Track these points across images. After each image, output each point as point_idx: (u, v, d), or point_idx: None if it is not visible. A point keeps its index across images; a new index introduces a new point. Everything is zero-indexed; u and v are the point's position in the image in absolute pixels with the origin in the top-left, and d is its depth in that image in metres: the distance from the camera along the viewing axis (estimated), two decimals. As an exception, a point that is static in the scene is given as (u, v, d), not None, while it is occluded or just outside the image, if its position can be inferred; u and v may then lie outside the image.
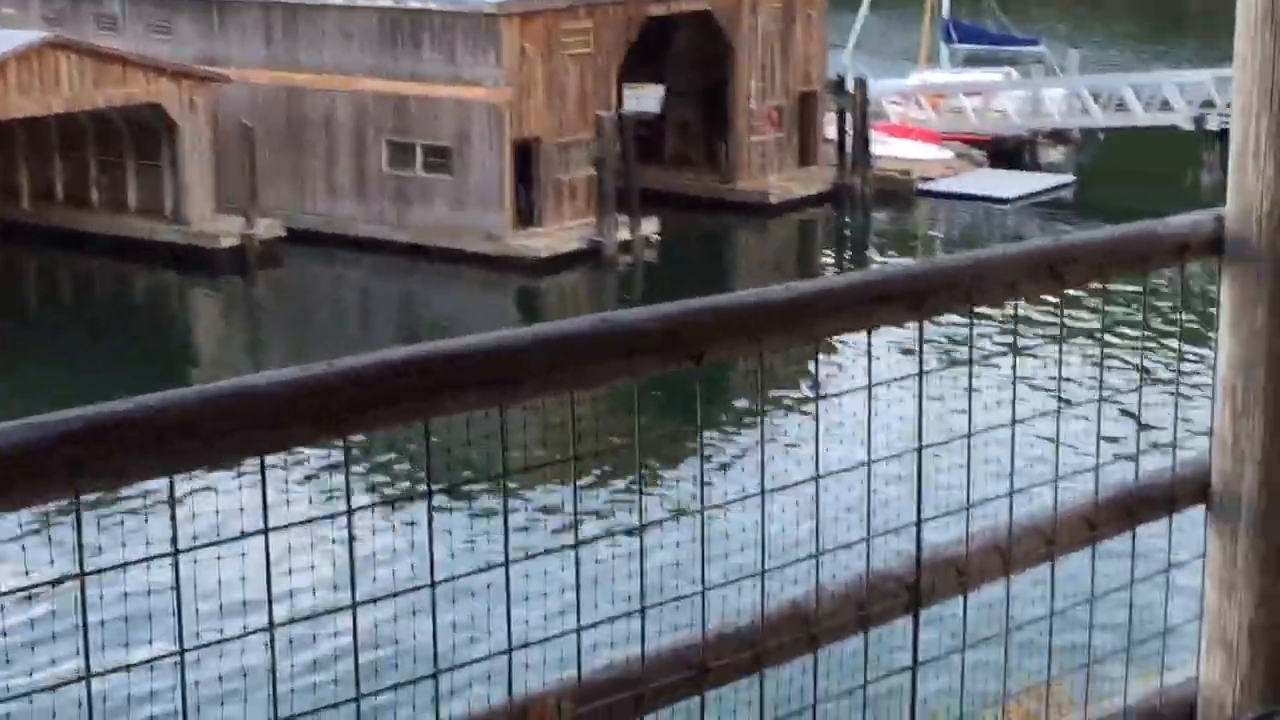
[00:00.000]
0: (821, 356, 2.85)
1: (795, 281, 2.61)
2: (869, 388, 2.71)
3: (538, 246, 37.38)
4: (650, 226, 38.90)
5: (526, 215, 38.19)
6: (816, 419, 2.65)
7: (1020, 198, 43.51)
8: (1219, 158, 41.98)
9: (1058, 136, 48.72)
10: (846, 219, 42.93)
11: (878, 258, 38.74)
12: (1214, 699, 3.24)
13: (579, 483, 2.88)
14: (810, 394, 23.62)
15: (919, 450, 2.78)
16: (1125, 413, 3.02)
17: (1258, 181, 3.06)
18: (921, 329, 2.75)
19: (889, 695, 2.95)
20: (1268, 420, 3.08)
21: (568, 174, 39.03)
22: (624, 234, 38.24)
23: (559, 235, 38.23)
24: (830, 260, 40.40)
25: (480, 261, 37.06)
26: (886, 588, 2.80)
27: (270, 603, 2.07)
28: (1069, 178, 45.53)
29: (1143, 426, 3.14)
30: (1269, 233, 3.05)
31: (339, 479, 18.94)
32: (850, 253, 40.80)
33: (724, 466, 22.18)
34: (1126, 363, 16.32)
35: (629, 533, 2.44)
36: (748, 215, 41.91)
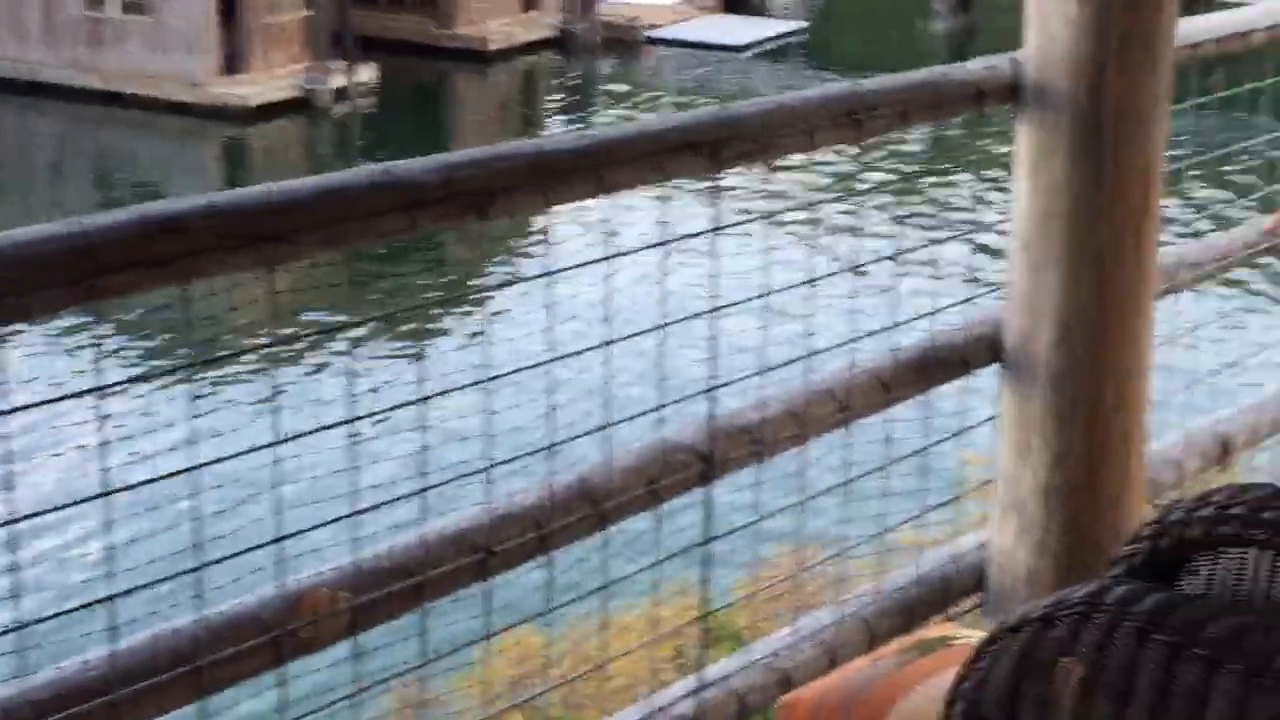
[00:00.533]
0: (620, 214, 2.73)
1: (587, 130, 2.49)
2: (663, 244, 2.61)
3: (245, 94, 36.37)
4: (367, 73, 38.12)
5: (232, 61, 37.12)
6: (606, 281, 2.55)
7: (752, 44, 43.71)
8: (947, 2, 42.81)
9: (787, -21, 49.09)
10: (572, 67, 42.63)
11: (607, 111, 38.60)
12: (1006, 564, 3.25)
13: (346, 356, 2.73)
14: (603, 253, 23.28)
15: (713, 312, 2.70)
16: (926, 269, 3.00)
17: (1059, 24, 3.02)
18: (717, 181, 2.66)
19: (685, 568, 2.90)
20: (1065, 275, 3.07)
21: (278, 16, 37.96)
22: (339, 81, 37.42)
23: (268, 82, 37.22)
24: (558, 108, 40.09)
25: (183, 111, 35.92)
26: (678, 459, 2.73)
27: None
28: (802, 23, 45.89)
29: (939, 282, 3.10)
30: (1069, 79, 3.02)
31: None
32: (579, 99, 40.53)
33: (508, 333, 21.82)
34: (925, 216, 16.51)
35: (411, 405, 2.31)
36: (468, 61, 41.33)
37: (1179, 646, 2.00)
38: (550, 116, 39.24)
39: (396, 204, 2.22)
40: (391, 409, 2.54)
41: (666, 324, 2.64)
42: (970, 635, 2.98)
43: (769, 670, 2.98)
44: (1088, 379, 3.12)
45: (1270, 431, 4.15)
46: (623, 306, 2.59)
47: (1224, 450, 3.98)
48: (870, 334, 3.00)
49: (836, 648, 3.10)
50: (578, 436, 2.60)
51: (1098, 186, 3.04)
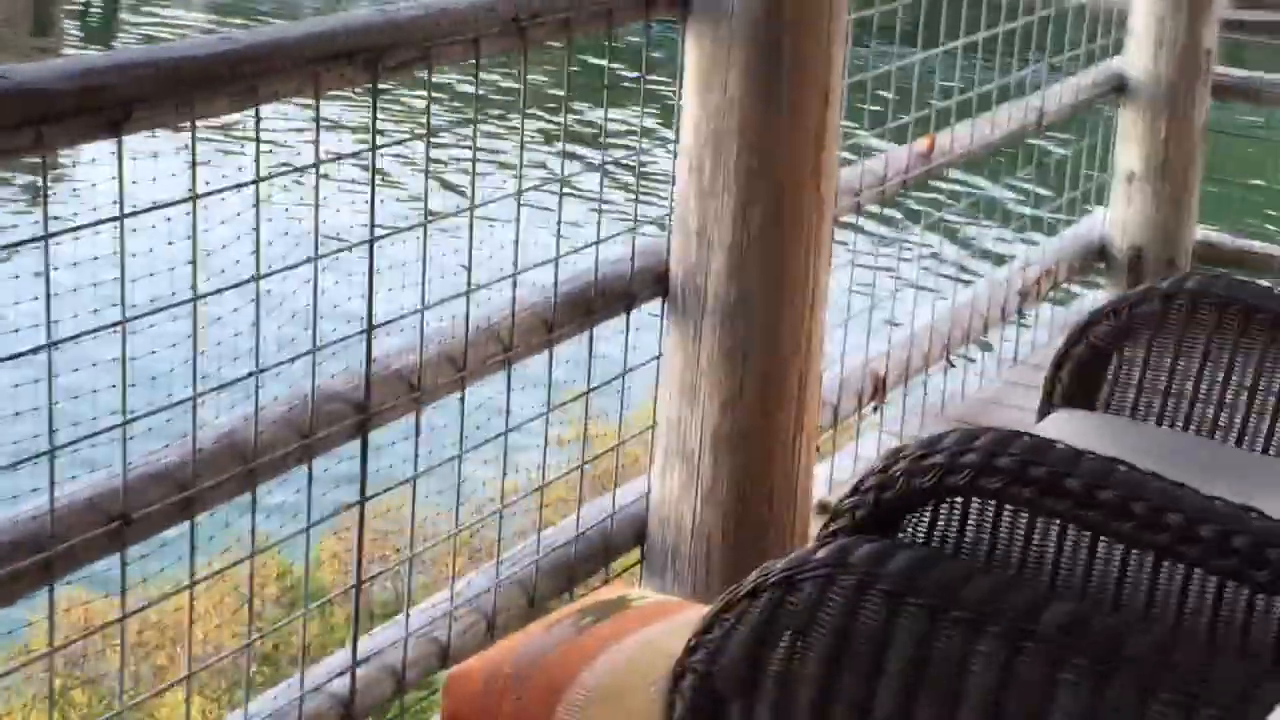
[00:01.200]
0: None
1: (235, 32, 2.28)
2: (316, 167, 2.41)
3: None
4: None
5: None
6: (257, 208, 2.32)
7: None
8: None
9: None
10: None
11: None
12: (671, 516, 3.17)
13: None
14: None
15: (369, 244, 2.52)
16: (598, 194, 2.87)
17: None
18: (375, 92, 2.48)
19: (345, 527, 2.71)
20: (739, 200, 2.99)
21: None
22: None
23: None
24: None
25: None
26: (332, 409, 2.54)
27: None
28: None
29: (604, 209, 2.98)
30: None
31: None
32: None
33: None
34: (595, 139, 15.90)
35: (35, 351, 2.06)
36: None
37: (936, 610, 1.94)
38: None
39: (21, 117, 1.97)
40: None
41: (318, 257, 2.44)
42: (646, 596, 2.89)
43: (426, 641, 2.83)
44: (763, 314, 3.04)
45: (921, 366, 4.19)
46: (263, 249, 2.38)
47: (876, 388, 3.99)
48: (532, 267, 2.85)
49: (495, 614, 2.96)
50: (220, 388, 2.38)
51: (774, 105, 2.97)
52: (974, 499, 2.16)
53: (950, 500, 2.17)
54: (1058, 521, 2.09)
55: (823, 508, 3.43)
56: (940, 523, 2.18)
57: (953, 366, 4.39)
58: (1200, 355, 2.76)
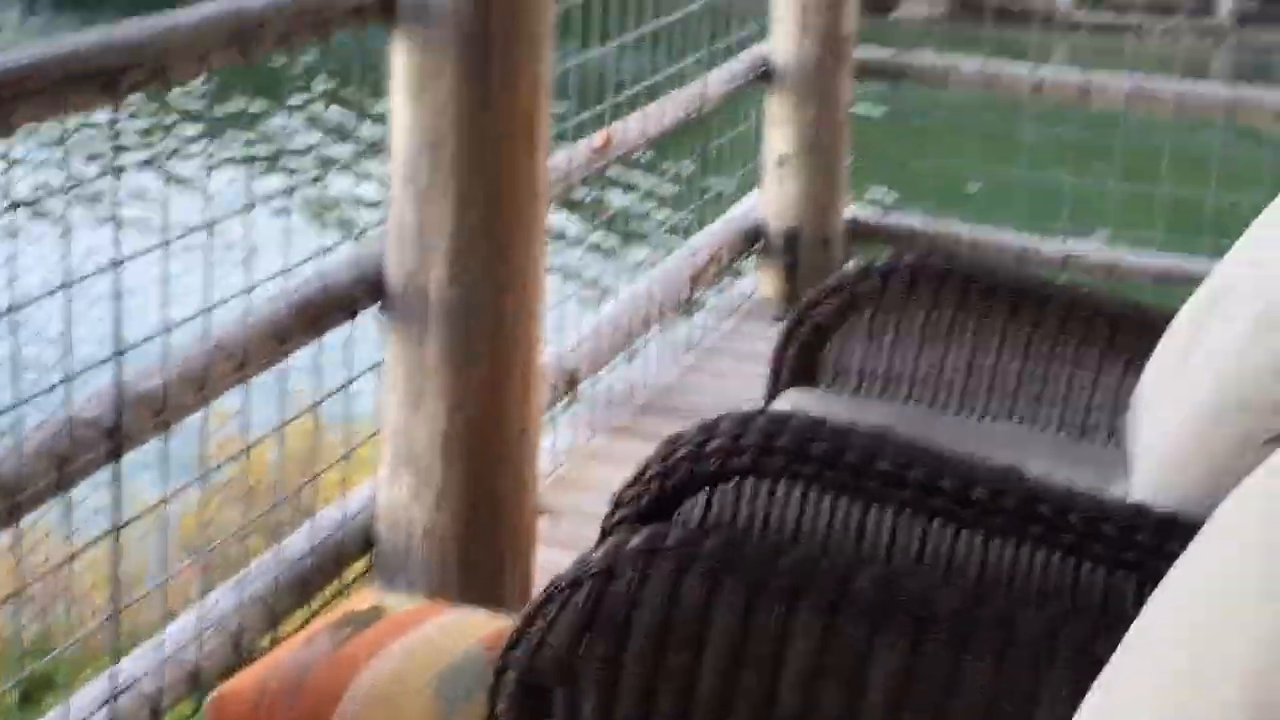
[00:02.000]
0: None
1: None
2: (66, 192, 2.45)
3: None
4: None
5: None
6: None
7: None
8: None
9: None
10: None
11: None
12: (401, 521, 3.27)
13: None
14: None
15: (114, 266, 2.56)
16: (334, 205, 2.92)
17: None
18: (117, 114, 2.53)
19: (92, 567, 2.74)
20: (458, 204, 3.10)
21: None
22: None
23: None
24: None
25: None
26: (86, 437, 2.58)
27: None
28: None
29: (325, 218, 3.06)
30: None
31: None
32: None
33: None
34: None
35: None
36: None
37: (754, 584, 2.10)
38: None
39: None
40: None
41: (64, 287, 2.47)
42: (401, 604, 2.98)
43: (176, 666, 2.88)
44: (484, 317, 3.16)
45: (609, 359, 4.37)
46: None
47: (571, 382, 4.15)
48: (263, 281, 2.92)
49: (240, 633, 3.02)
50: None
51: (487, 108, 3.09)
52: (752, 479, 2.35)
53: (725, 483, 2.35)
54: (832, 494, 2.29)
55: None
56: (716, 505, 2.35)
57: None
58: (920, 329, 2.99)
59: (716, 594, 2.07)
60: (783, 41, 5.07)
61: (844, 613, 2.03)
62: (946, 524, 2.24)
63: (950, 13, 19.34)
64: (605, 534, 2.36)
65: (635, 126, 4.40)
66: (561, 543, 3.60)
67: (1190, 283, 2.85)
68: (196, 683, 2.91)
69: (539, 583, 3.35)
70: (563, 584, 2.13)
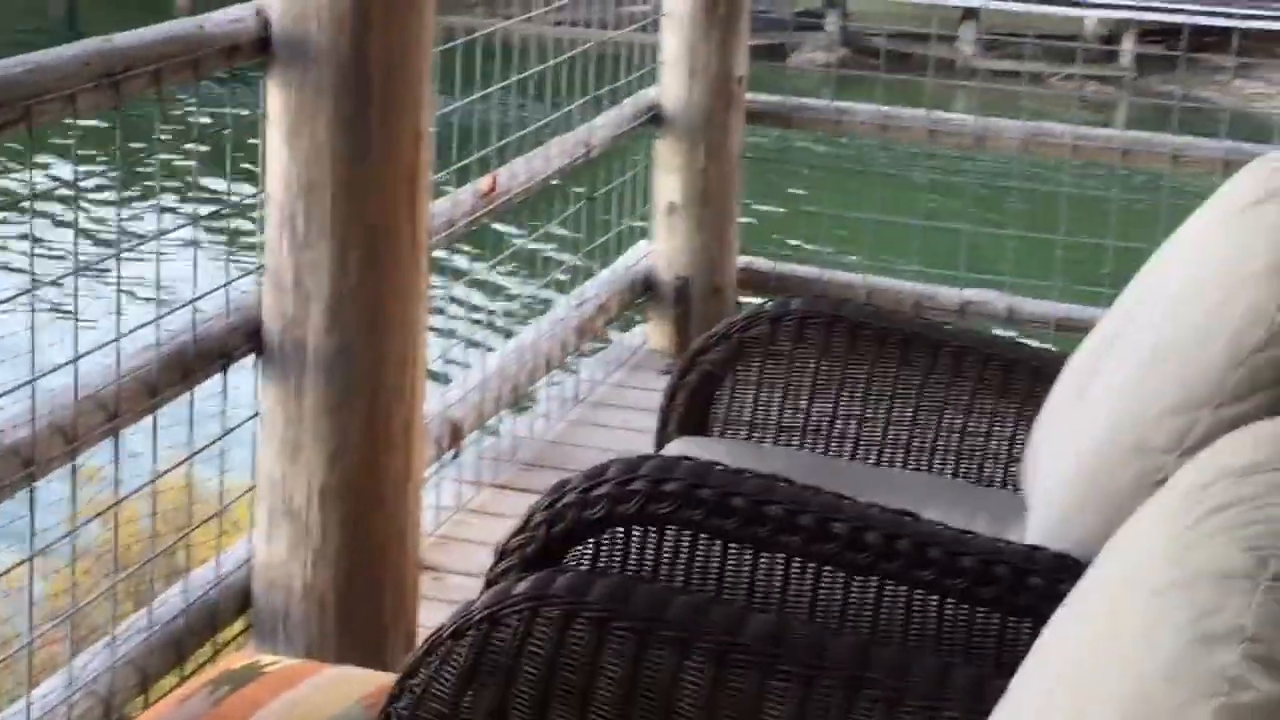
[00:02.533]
0: None
1: None
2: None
3: None
4: None
5: None
6: None
7: None
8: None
9: None
10: None
11: None
12: (279, 578, 3.29)
13: None
14: None
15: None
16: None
17: None
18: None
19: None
20: (335, 249, 3.13)
21: None
22: None
23: None
24: None
25: None
26: (-50, 490, 2.59)
27: None
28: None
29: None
30: (331, 31, 3.08)
31: None
32: None
33: None
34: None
35: None
36: None
37: (644, 631, 2.14)
38: None
39: None
40: None
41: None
42: (278, 661, 3.00)
43: (45, 731, 2.88)
44: (364, 366, 3.20)
45: (494, 411, 4.41)
46: None
47: (455, 435, 4.19)
48: (133, 330, 2.94)
49: (110, 696, 3.03)
50: None
51: (366, 152, 3.13)
52: (639, 526, 2.40)
53: (614, 530, 2.40)
54: (722, 540, 2.34)
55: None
56: (604, 552, 2.40)
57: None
58: (810, 374, 3.05)
59: (605, 642, 2.11)
60: (672, 86, 5.14)
61: (734, 661, 2.08)
62: (838, 570, 2.30)
63: (846, 59, 19.59)
64: (490, 584, 2.39)
65: (521, 171, 4.45)
66: (446, 600, 3.64)
67: (1089, 330, 2.93)
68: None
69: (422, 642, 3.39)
70: (446, 633, 2.17)
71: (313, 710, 2.78)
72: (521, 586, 2.17)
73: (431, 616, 3.41)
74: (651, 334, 5.30)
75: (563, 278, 5.17)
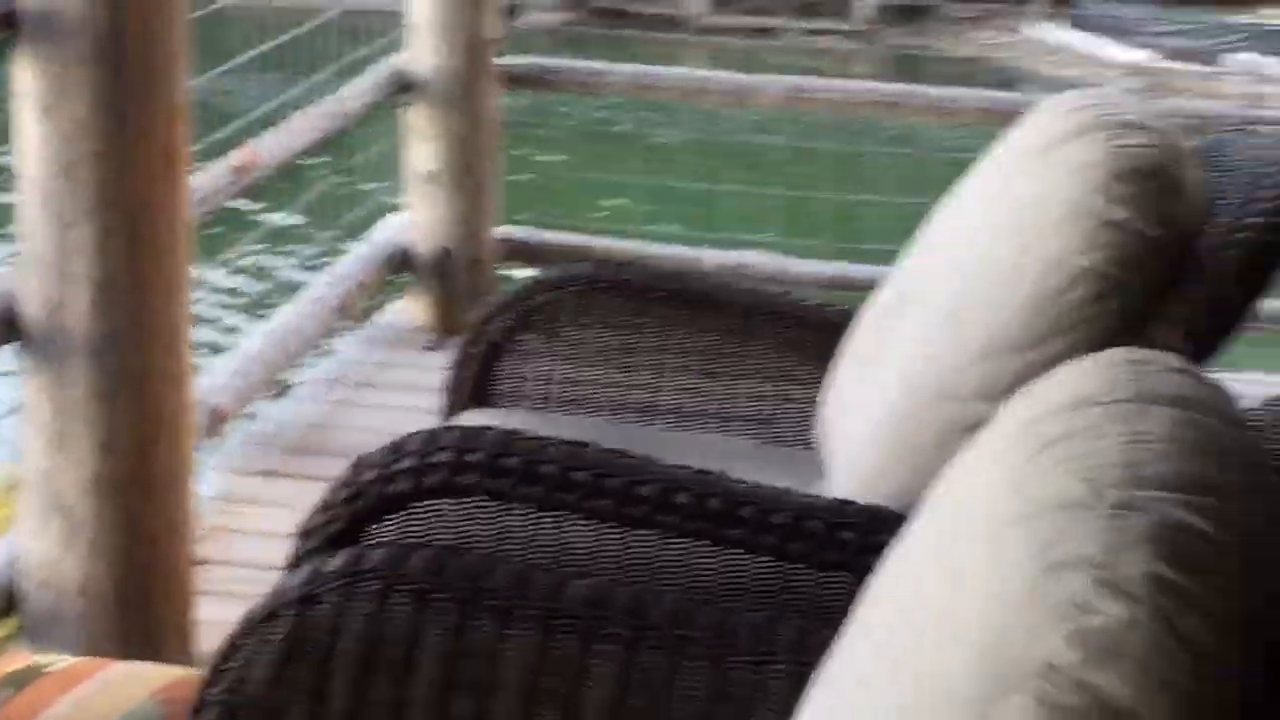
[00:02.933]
0: None
1: None
2: None
3: None
4: None
5: None
6: None
7: None
8: None
9: None
10: None
11: None
12: (52, 575, 3.29)
13: None
14: None
15: None
16: None
17: None
18: None
19: None
20: (99, 230, 3.14)
21: None
22: None
23: None
24: None
25: None
26: None
27: None
28: None
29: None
30: (86, 4, 3.08)
31: None
32: None
33: None
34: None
35: None
36: None
37: (466, 601, 2.20)
38: None
39: None
40: None
41: None
42: (59, 660, 3.00)
43: None
44: (133, 349, 3.20)
45: (255, 396, 4.42)
46: None
47: (216, 420, 4.19)
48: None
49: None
50: None
51: (125, 125, 3.14)
52: (445, 499, 2.45)
53: (418, 505, 2.46)
54: (531, 508, 2.41)
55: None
56: (409, 528, 2.45)
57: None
58: (598, 341, 3.13)
59: (425, 614, 2.17)
60: (421, 51, 5.18)
61: (558, 627, 2.15)
62: (650, 532, 2.38)
63: (576, 19, 19.73)
64: (292, 567, 2.43)
65: (276, 143, 4.47)
66: (218, 593, 3.66)
67: (857, 288, 3.06)
68: None
69: (202, 634, 3.42)
70: (259, 616, 2.21)
71: (104, 707, 2.79)
72: (335, 563, 2.22)
73: (209, 611, 3.45)
74: (411, 310, 5.34)
75: (316, 258, 5.19)
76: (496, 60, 5.27)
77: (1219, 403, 1.68)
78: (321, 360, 5.05)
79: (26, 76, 3.13)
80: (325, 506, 2.50)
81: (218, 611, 3.48)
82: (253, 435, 4.49)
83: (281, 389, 4.74)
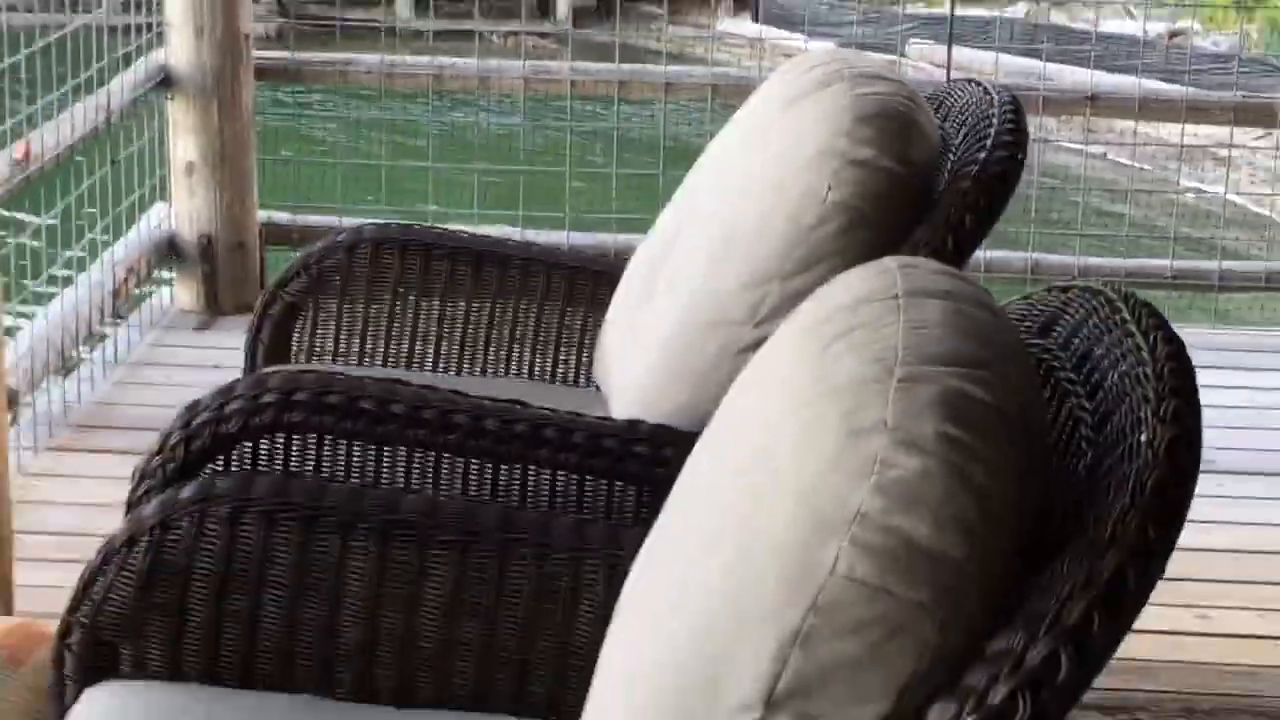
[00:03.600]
0: None
1: None
2: None
3: None
4: None
5: None
6: None
7: None
8: None
9: None
10: None
11: None
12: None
13: None
14: None
15: None
16: None
17: None
18: None
19: None
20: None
21: None
22: None
23: None
24: None
25: None
26: None
27: None
28: None
29: None
30: None
31: None
32: None
33: None
34: None
35: None
36: None
37: (310, 519, 2.35)
38: None
39: None
40: None
41: None
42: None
43: None
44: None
45: (43, 375, 4.49)
46: None
47: (10, 401, 4.24)
48: None
49: None
50: None
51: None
52: (273, 435, 2.59)
53: (247, 443, 2.59)
54: (353, 441, 2.55)
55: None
56: (240, 467, 2.58)
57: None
58: (387, 298, 3.27)
59: (273, 532, 2.31)
60: (180, 46, 5.25)
61: (395, 536, 2.30)
62: (459, 457, 2.54)
63: (286, 28, 19.59)
64: (132, 506, 2.55)
65: (50, 136, 4.53)
66: (32, 560, 3.72)
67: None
68: None
69: (17, 596, 3.48)
70: (119, 542, 2.33)
71: None
72: (187, 492, 2.35)
73: (21, 576, 3.51)
74: (179, 294, 5.42)
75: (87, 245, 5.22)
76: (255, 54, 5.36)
77: (979, 295, 1.88)
78: (101, 343, 5.09)
79: None
80: (161, 448, 2.62)
81: (30, 576, 3.57)
82: (42, 414, 4.54)
83: (66, 370, 4.79)
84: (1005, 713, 1.54)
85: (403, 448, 2.52)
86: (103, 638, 2.35)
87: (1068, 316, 1.99)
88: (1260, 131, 10.01)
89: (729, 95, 5.15)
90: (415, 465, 2.52)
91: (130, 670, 2.37)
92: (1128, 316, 1.86)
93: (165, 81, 5.27)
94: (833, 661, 1.61)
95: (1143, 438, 1.68)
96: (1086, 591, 1.57)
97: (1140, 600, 1.60)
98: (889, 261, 1.98)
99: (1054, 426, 1.86)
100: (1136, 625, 1.59)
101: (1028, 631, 1.56)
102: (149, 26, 5.34)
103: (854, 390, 1.72)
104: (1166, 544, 1.62)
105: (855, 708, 1.61)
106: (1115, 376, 1.80)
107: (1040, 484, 1.72)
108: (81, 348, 4.89)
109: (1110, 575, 1.58)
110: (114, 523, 2.50)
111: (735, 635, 1.69)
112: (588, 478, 2.56)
